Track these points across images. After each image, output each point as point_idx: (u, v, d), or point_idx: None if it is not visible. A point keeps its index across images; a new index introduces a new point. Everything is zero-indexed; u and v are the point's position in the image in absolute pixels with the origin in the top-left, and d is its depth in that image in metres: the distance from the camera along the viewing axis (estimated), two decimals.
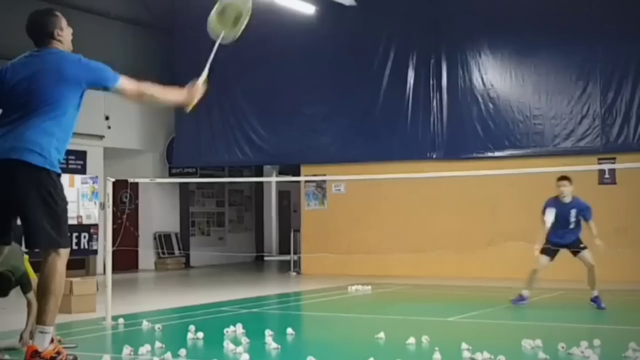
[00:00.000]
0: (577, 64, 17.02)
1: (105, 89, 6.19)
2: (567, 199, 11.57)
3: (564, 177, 11.54)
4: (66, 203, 6.06)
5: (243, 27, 6.75)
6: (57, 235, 5.88)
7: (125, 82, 6.20)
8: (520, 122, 17.48)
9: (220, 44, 6.68)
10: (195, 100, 6.38)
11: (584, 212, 11.56)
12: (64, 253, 5.92)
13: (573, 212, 11.52)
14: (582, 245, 11.56)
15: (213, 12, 6.65)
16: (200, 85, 6.42)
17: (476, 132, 17.79)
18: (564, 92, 17.10)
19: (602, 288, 13.79)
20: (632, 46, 16.55)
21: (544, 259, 11.59)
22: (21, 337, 7.55)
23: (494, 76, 17.78)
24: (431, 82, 18.29)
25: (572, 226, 11.56)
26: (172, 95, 6.47)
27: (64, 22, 6.21)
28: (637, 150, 16.12)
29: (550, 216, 11.48)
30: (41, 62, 6.01)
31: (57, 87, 5.93)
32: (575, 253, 11.62)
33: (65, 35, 6.20)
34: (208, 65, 6.46)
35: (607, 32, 16.72)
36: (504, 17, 17.69)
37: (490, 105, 17.73)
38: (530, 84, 17.47)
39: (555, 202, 11.62)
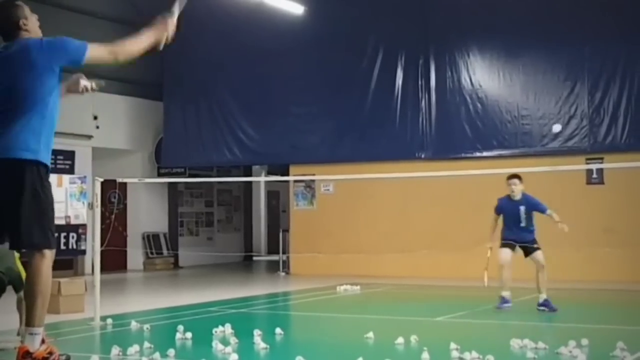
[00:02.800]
0: (564, 64, 17.07)
1: (78, 64, 5.94)
2: (517, 197, 11.54)
3: (514, 176, 11.54)
4: (53, 202, 6.01)
5: None
6: (43, 235, 5.84)
7: (94, 49, 5.93)
8: (508, 122, 17.52)
9: None
10: (168, 36, 6.19)
11: (536, 207, 11.56)
12: (50, 253, 5.88)
13: (522, 209, 11.48)
14: (535, 246, 11.49)
15: None
16: (171, 20, 6.20)
17: (464, 132, 17.83)
18: (552, 92, 17.16)
19: (592, 287, 13.87)
20: (620, 46, 16.62)
21: (504, 251, 11.46)
22: (19, 334, 7.56)
23: (482, 76, 17.83)
24: (420, 82, 18.32)
25: (523, 224, 11.50)
26: (144, 40, 6.16)
27: (27, 11, 6.06)
28: (624, 150, 16.18)
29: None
30: (11, 56, 5.91)
31: (32, 79, 5.81)
32: (527, 253, 11.55)
33: (30, 23, 6.07)
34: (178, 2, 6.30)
35: (595, 33, 16.78)
36: (493, 17, 17.73)
37: (479, 106, 17.77)
38: (518, 84, 17.51)
39: (506, 200, 11.63)
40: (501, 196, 11.73)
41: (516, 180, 11.51)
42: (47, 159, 5.94)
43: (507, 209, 11.57)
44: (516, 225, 11.49)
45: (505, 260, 11.39)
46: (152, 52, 6.43)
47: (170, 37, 6.15)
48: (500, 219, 11.66)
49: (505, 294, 11.40)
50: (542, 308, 11.19)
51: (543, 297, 11.26)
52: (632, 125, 16.42)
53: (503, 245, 11.49)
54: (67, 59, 5.93)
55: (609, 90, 16.64)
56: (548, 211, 11.51)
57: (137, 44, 6.13)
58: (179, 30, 6.27)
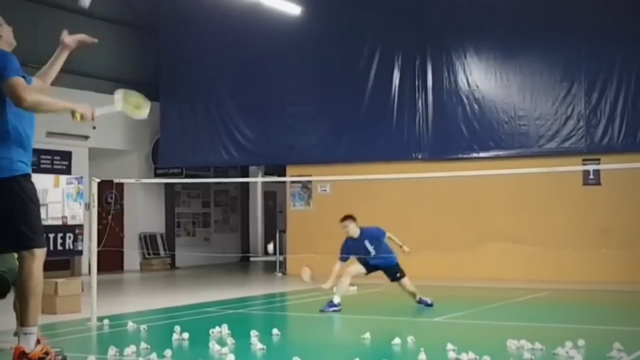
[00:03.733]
0: (561, 65, 17.08)
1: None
2: (356, 235, 11.71)
3: (345, 217, 11.83)
4: (38, 203, 6.04)
5: (143, 112, 6.59)
6: (31, 235, 5.86)
7: (13, 83, 5.77)
8: (505, 123, 17.53)
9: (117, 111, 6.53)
10: (83, 116, 6.05)
11: (377, 236, 11.79)
12: (39, 252, 5.89)
13: (367, 242, 11.67)
14: (398, 275, 11.75)
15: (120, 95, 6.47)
16: (93, 110, 6.15)
17: (461, 133, 17.83)
18: (549, 93, 17.17)
19: (588, 288, 13.88)
20: (617, 47, 16.63)
21: (358, 266, 11.71)
22: (16, 334, 7.57)
23: (479, 77, 17.83)
24: (416, 82, 18.32)
25: (373, 254, 11.67)
26: (58, 104, 6.03)
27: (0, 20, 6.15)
28: (621, 151, 16.21)
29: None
30: None
31: None
32: (392, 279, 11.81)
33: (3, 31, 6.13)
34: (101, 112, 6.29)
35: (592, 34, 16.80)
36: (489, 18, 17.74)
37: (475, 106, 17.78)
38: (515, 85, 17.52)
39: (350, 241, 11.76)
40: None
41: (347, 222, 11.75)
42: (24, 168, 5.97)
43: (352, 248, 11.69)
44: (370, 257, 11.61)
45: (353, 272, 11.64)
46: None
47: (84, 118, 6.07)
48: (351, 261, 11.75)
49: (336, 299, 11.48)
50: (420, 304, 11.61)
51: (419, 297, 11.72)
52: (629, 126, 16.44)
53: (360, 261, 11.73)
54: None
55: (605, 91, 16.65)
56: (389, 235, 11.88)
57: (49, 102, 5.96)
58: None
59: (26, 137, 6.04)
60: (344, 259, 11.79)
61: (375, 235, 11.78)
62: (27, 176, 6.00)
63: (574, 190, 16.84)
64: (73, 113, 6.02)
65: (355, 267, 11.64)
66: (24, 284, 5.81)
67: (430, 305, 11.54)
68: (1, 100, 5.88)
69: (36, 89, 6.07)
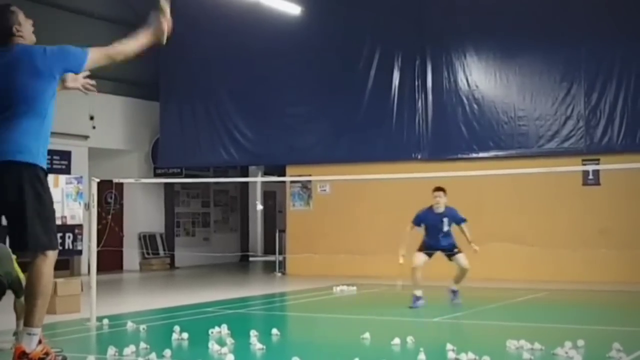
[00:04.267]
0: (561, 65, 17.09)
1: (77, 72, 6.20)
2: (440, 210, 11.96)
3: (439, 188, 12.03)
4: (53, 203, 6.02)
5: None
6: (46, 236, 5.85)
7: (93, 57, 6.16)
8: (504, 123, 17.53)
9: None
10: (165, 34, 6.21)
11: (457, 220, 12.09)
12: (52, 254, 5.89)
13: (445, 220, 11.94)
14: (455, 250, 11.99)
15: None
16: (163, 17, 6.25)
17: (461, 133, 17.83)
18: (548, 93, 17.17)
19: (588, 289, 13.89)
20: (616, 48, 16.64)
21: (420, 256, 11.89)
22: (15, 334, 7.58)
23: (478, 77, 17.83)
24: (416, 82, 18.32)
25: (442, 235, 11.95)
26: (140, 41, 6.30)
27: (21, 16, 6.11)
28: (620, 152, 16.21)
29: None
30: (10, 60, 5.92)
31: (34, 83, 5.86)
32: (450, 257, 12.04)
33: (25, 29, 6.12)
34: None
35: (592, 34, 16.80)
36: (489, 18, 17.74)
37: (475, 106, 17.78)
38: (514, 85, 17.52)
39: (429, 212, 12.04)
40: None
41: (441, 193, 12.03)
42: (44, 163, 5.96)
43: (429, 219, 12.00)
44: (435, 235, 11.98)
45: (418, 263, 11.83)
46: (151, 49, 6.50)
47: (168, 33, 6.20)
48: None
49: (417, 292, 11.77)
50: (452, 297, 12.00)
51: (454, 287, 12.16)
52: (628, 126, 16.44)
53: (421, 249, 11.97)
54: (67, 67, 6.08)
55: (605, 91, 16.66)
56: (464, 225, 12.12)
57: (133, 44, 6.27)
58: (173, 24, 6.31)
59: (49, 137, 6.08)
60: (416, 224, 12.10)
61: (456, 218, 12.06)
62: (46, 173, 5.99)
63: (574, 191, 16.85)
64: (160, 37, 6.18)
65: (421, 258, 11.85)
66: (34, 284, 5.81)
67: (458, 304, 11.83)
68: (51, 95, 5.94)
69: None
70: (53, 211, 5.98)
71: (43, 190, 5.88)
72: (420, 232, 12.20)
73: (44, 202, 5.87)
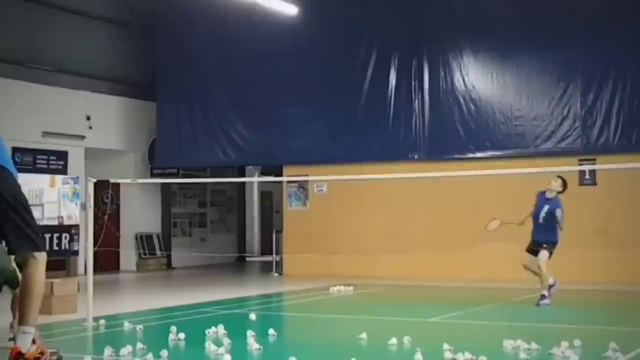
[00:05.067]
0: (557, 65, 17.10)
1: None
2: (551, 195, 12.16)
3: (561, 178, 12.24)
4: (27, 202, 6.12)
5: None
6: (30, 241, 5.93)
7: None
8: (501, 124, 17.54)
9: None
10: None
11: (555, 214, 12.08)
12: (41, 255, 5.97)
13: (547, 207, 12.12)
14: (545, 245, 12.09)
15: None
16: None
17: (458, 133, 17.84)
18: (545, 93, 17.18)
19: (584, 289, 13.92)
20: (612, 48, 16.65)
21: (528, 256, 12.17)
22: (11, 326, 7.61)
23: (475, 77, 17.84)
24: (413, 83, 18.32)
25: (540, 221, 12.11)
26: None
27: None
28: (617, 152, 16.21)
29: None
30: None
31: None
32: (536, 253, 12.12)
33: None
34: None
35: (588, 34, 16.81)
36: (486, 19, 17.75)
37: (472, 107, 17.79)
38: (511, 86, 17.54)
39: (541, 195, 12.33)
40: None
41: (559, 180, 12.21)
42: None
43: (538, 202, 12.27)
44: (535, 222, 12.20)
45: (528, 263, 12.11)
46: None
47: None
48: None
49: (546, 291, 11.90)
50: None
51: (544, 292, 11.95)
52: (625, 126, 16.46)
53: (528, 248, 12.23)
54: None
55: (601, 91, 16.67)
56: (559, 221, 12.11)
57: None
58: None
59: None
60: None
61: (555, 210, 12.07)
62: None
63: (570, 190, 16.77)
64: None
65: (528, 258, 12.20)
66: (27, 285, 5.89)
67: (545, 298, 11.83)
68: None
69: None
70: (30, 212, 6.05)
71: (21, 196, 5.97)
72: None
73: (24, 207, 5.94)
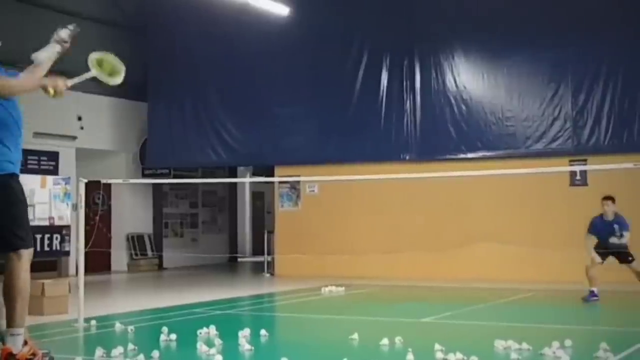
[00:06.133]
0: (548, 66, 17.14)
1: None
2: (611, 217, 12.74)
3: (610, 197, 12.78)
4: (26, 204, 6.04)
5: (118, 78, 6.43)
6: (17, 236, 5.85)
7: None
8: (492, 124, 17.57)
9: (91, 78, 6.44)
10: (53, 89, 6.10)
11: (626, 226, 12.69)
12: (26, 253, 5.88)
13: (616, 226, 12.64)
14: (630, 258, 12.68)
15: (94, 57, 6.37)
16: (64, 82, 6.17)
17: (449, 134, 17.86)
18: (536, 94, 17.22)
19: (576, 289, 13.95)
20: (603, 49, 16.70)
21: (597, 256, 12.77)
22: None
23: (466, 78, 17.87)
24: (404, 83, 18.34)
25: (617, 236, 12.67)
26: (29, 82, 6.21)
27: None
28: (608, 152, 16.26)
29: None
30: None
31: None
32: (623, 262, 12.78)
33: None
34: (75, 81, 6.26)
35: (578, 35, 16.85)
36: (477, 19, 17.78)
37: (463, 107, 17.82)
38: (502, 86, 17.57)
39: (599, 220, 12.88)
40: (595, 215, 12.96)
41: (609, 202, 12.75)
42: (11, 168, 6.00)
43: (600, 227, 12.76)
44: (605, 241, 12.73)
45: (595, 261, 12.68)
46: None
47: (58, 92, 6.05)
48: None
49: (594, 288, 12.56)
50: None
51: None
52: (615, 127, 16.51)
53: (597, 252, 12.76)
54: None
55: (592, 92, 16.72)
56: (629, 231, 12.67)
57: (16, 84, 6.08)
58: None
59: (12, 135, 6.04)
60: (592, 233, 12.89)
61: (624, 224, 12.67)
62: (14, 176, 5.99)
63: (561, 191, 16.90)
64: (45, 89, 6.01)
65: (597, 257, 12.67)
66: (11, 284, 5.80)
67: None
68: None
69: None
70: (25, 212, 6.00)
71: (15, 196, 5.92)
72: None
73: (14, 206, 5.90)
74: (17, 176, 6.04)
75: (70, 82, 6.14)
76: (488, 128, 17.60)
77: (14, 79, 6.08)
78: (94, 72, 6.26)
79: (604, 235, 12.67)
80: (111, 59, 6.39)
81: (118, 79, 6.44)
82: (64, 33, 6.52)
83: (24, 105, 6.49)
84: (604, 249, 12.61)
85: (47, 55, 6.43)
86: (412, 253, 17.12)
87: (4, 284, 5.92)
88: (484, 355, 7.19)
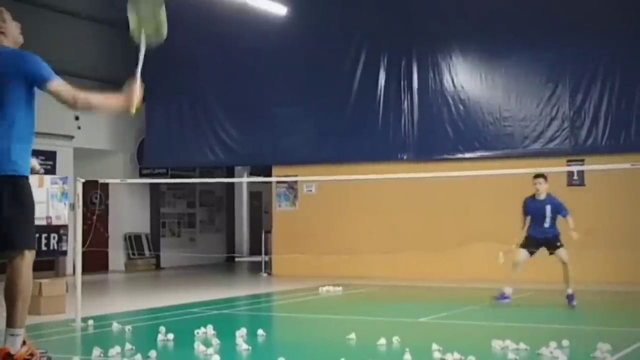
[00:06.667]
0: (546, 66, 17.15)
1: (43, 86, 6.00)
2: (542, 196, 12.01)
3: (542, 175, 11.96)
4: (33, 205, 6.03)
5: (163, 24, 6.31)
6: (22, 237, 5.84)
7: (59, 83, 6.02)
8: (490, 124, 17.58)
9: (147, 45, 6.37)
10: (135, 103, 6.11)
11: (560, 210, 12.02)
12: (29, 254, 5.88)
13: (548, 208, 11.96)
14: (558, 244, 11.98)
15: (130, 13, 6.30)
16: (136, 86, 6.15)
17: (447, 134, 17.87)
18: (534, 94, 17.23)
19: (573, 289, 13.94)
20: (601, 49, 16.71)
21: (523, 253, 12.00)
22: None
23: (464, 78, 17.88)
24: (402, 83, 18.34)
25: (548, 222, 11.99)
26: (109, 101, 6.19)
27: (6, 15, 6.15)
28: (605, 152, 16.28)
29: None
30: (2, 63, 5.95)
31: (23, 88, 5.90)
32: (551, 252, 12.03)
33: (8, 28, 6.13)
34: (139, 67, 6.23)
35: (576, 35, 16.87)
36: (475, 19, 17.79)
37: (461, 107, 17.82)
38: (500, 86, 17.58)
39: (531, 201, 12.11)
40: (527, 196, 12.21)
41: (541, 180, 11.96)
42: (27, 165, 6.01)
43: (532, 208, 12.04)
44: (540, 224, 11.97)
45: (520, 260, 11.94)
46: (120, 113, 6.39)
47: (138, 105, 6.05)
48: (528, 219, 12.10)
49: (507, 290, 11.94)
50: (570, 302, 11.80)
51: (568, 291, 11.88)
52: (613, 127, 16.52)
53: (524, 245, 11.99)
54: (39, 77, 5.98)
55: (590, 92, 16.73)
56: (569, 217, 12.01)
57: (100, 102, 6.13)
58: (145, 92, 6.18)
59: (31, 139, 6.09)
60: (525, 214, 12.13)
61: (558, 207, 12.01)
62: (25, 178, 6.02)
63: (559, 191, 16.82)
64: (129, 108, 6.02)
65: (523, 254, 11.93)
66: (12, 284, 5.79)
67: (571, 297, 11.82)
68: (31, 102, 5.99)
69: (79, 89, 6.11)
70: (32, 213, 6.00)
71: (24, 199, 5.92)
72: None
73: (21, 206, 5.90)
74: (27, 178, 6.06)
75: (138, 76, 6.12)
76: (486, 128, 17.61)
77: (96, 96, 6.04)
78: (143, 45, 6.18)
79: (538, 217, 11.98)
80: (144, 9, 6.24)
81: (164, 30, 6.30)
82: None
83: None
84: (534, 239, 11.96)
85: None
86: (409, 253, 17.12)
87: (5, 284, 5.90)
88: (481, 355, 7.20)
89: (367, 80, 18.60)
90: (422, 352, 7.37)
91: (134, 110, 6.07)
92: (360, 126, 18.56)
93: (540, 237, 11.98)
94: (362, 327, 9.49)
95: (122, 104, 6.13)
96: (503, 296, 11.92)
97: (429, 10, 18.24)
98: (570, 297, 11.89)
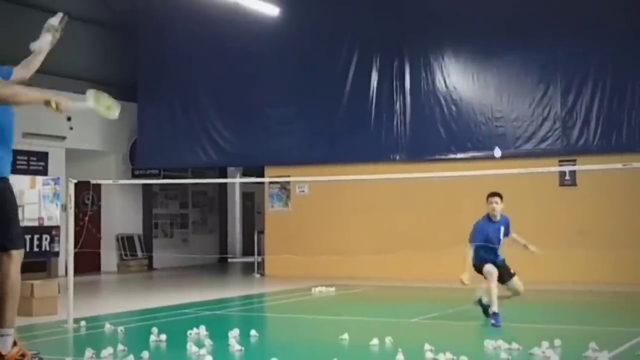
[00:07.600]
0: (538, 67, 17.19)
1: None
2: (497, 217, 10.46)
3: (497, 194, 10.56)
4: (17, 205, 6.04)
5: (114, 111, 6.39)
6: (8, 237, 5.85)
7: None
8: (482, 125, 17.61)
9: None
10: (55, 106, 6.04)
11: (509, 228, 10.54)
12: (17, 254, 5.88)
13: (502, 229, 10.44)
14: (512, 271, 10.49)
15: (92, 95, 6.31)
16: (67, 104, 6.09)
17: (439, 134, 17.89)
18: (526, 94, 17.27)
19: (565, 289, 13.99)
20: (592, 50, 16.76)
21: (492, 268, 10.28)
22: None
23: (456, 79, 17.90)
24: (395, 84, 18.36)
25: (500, 244, 10.46)
26: (36, 94, 6.18)
27: None
28: (597, 152, 16.33)
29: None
30: None
31: None
32: (505, 280, 10.36)
33: None
34: (78, 106, 6.26)
35: (568, 36, 16.91)
36: (467, 20, 17.82)
37: (453, 108, 17.85)
38: (492, 87, 17.60)
39: (486, 222, 10.48)
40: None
41: (497, 199, 10.48)
42: (7, 172, 6.04)
43: (486, 231, 10.34)
44: (493, 250, 10.38)
45: (494, 274, 10.13)
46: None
47: (59, 108, 6.02)
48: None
49: (496, 308, 10.07)
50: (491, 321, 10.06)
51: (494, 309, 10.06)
52: (604, 127, 16.56)
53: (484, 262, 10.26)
54: None
55: (581, 92, 16.77)
56: (513, 234, 10.55)
57: (22, 93, 6.08)
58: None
59: (4, 139, 6.04)
60: (476, 241, 10.21)
61: (508, 226, 10.41)
62: (5, 179, 6.00)
63: (550, 191, 16.95)
64: (48, 102, 5.98)
65: (493, 269, 10.11)
66: (1, 285, 5.78)
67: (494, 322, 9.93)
68: None
69: (16, 81, 6.09)
70: (16, 213, 6.00)
71: (6, 199, 5.93)
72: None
73: (7, 209, 5.91)
74: (8, 179, 6.04)
75: (74, 105, 6.12)
76: (478, 128, 17.64)
77: (22, 88, 6.06)
78: (91, 104, 6.20)
79: (493, 242, 10.27)
80: (106, 97, 6.31)
81: (114, 114, 6.34)
82: (55, 20, 6.57)
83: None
84: (492, 262, 10.21)
85: (43, 43, 6.47)
86: (402, 253, 17.11)
87: None
88: (473, 355, 7.21)
89: (359, 81, 18.62)
90: (414, 352, 7.38)
91: (52, 105, 6.02)
92: (353, 127, 18.57)
93: (495, 262, 10.27)
94: (354, 327, 9.50)
95: (45, 97, 6.05)
96: (496, 317, 9.98)
97: (421, 10, 18.25)
98: (496, 316, 10.01)
